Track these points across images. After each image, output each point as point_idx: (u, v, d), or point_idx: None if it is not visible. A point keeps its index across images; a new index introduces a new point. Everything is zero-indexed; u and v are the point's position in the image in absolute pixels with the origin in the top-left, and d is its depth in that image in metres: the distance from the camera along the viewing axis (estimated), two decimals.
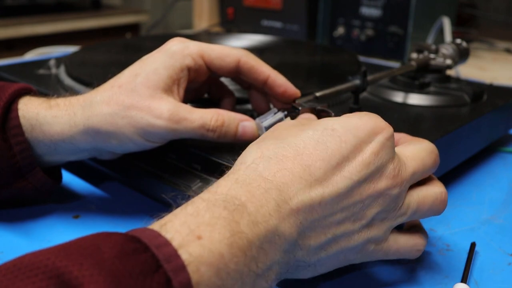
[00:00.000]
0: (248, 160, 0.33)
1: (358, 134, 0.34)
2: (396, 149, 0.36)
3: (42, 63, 0.69)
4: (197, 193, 0.42)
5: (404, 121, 0.53)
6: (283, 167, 0.32)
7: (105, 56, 0.72)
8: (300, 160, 0.32)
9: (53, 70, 0.66)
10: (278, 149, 0.33)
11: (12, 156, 0.42)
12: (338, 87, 0.49)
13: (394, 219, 0.35)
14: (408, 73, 0.61)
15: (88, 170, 0.56)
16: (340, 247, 0.34)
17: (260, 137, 0.36)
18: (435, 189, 0.38)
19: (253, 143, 0.35)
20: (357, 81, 0.51)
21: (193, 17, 1.40)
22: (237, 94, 0.51)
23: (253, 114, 0.51)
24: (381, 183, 0.34)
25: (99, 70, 0.64)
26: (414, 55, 0.64)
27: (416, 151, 0.37)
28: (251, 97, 0.49)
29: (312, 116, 0.43)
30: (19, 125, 0.42)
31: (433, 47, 0.63)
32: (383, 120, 0.36)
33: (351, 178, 0.33)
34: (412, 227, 0.39)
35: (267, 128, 0.43)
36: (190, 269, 0.26)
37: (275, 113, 0.44)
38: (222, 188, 0.31)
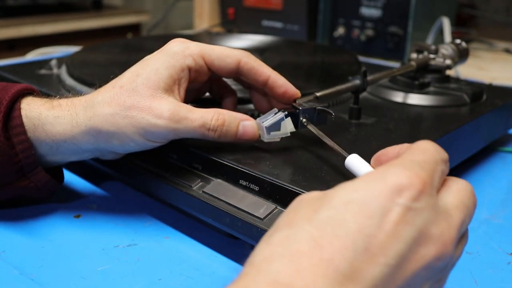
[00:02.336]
0: (257, 261, 0.27)
1: (382, 202, 0.27)
2: (439, 199, 0.30)
3: (43, 63, 0.69)
4: (197, 192, 0.42)
5: (404, 121, 0.53)
6: (300, 267, 0.25)
7: (106, 56, 0.72)
8: (319, 254, 0.26)
9: (55, 70, 0.67)
10: (291, 242, 0.27)
11: (14, 154, 0.42)
12: (338, 87, 0.49)
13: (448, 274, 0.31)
14: (408, 73, 0.61)
15: (89, 169, 0.57)
16: None
17: (273, 226, 0.29)
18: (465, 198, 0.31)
19: (263, 237, 0.28)
20: (357, 81, 0.51)
21: (194, 17, 1.40)
22: (239, 94, 0.51)
23: (254, 114, 0.51)
24: (428, 252, 0.27)
25: (100, 70, 0.64)
26: (414, 55, 0.64)
27: (459, 197, 0.31)
28: (253, 97, 0.49)
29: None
30: (21, 124, 0.42)
31: (433, 47, 0.64)
32: (412, 171, 0.28)
33: (387, 263, 0.26)
34: None
35: (268, 128, 0.43)
36: None
37: (275, 113, 0.44)
38: None
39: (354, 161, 0.37)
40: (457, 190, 0.31)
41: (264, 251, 0.27)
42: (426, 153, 0.31)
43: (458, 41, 0.66)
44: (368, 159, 0.37)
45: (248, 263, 0.27)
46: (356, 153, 0.38)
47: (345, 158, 0.38)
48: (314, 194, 0.30)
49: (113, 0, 2.32)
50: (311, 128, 0.43)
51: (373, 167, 0.36)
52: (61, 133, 0.43)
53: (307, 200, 0.29)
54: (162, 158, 0.47)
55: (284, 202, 0.39)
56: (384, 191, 0.27)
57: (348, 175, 0.40)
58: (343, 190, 0.28)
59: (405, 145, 0.34)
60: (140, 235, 0.46)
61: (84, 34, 1.88)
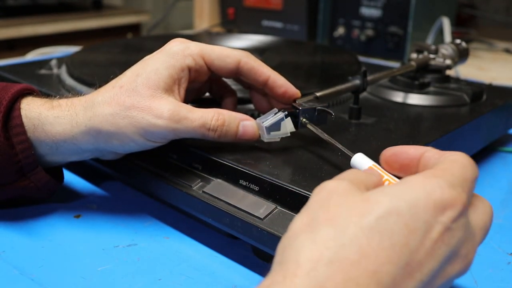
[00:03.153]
0: (305, 262, 0.26)
1: (426, 217, 0.28)
2: (471, 216, 0.31)
3: (43, 63, 0.69)
4: (197, 192, 0.42)
5: (404, 121, 0.53)
6: (348, 277, 0.26)
7: (106, 56, 0.72)
8: (365, 265, 0.26)
9: (55, 70, 0.67)
10: (339, 248, 0.27)
11: (14, 154, 0.42)
12: (338, 87, 0.49)
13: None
14: (408, 73, 0.61)
15: (89, 169, 0.57)
16: None
17: (310, 214, 0.29)
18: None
19: (302, 226, 0.29)
20: (357, 81, 0.51)
21: (194, 17, 1.40)
22: (239, 94, 0.51)
23: (254, 114, 0.51)
24: (454, 269, 0.30)
25: (100, 70, 0.64)
26: (414, 55, 0.64)
27: (483, 219, 0.32)
28: (253, 97, 0.49)
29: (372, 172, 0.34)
30: (21, 124, 0.42)
31: (433, 47, 0.64)
32: (456, 190, 0.29)
33: (421, 279, 0.28)
34: None
35: (268, 128, 0.43)
36: None
37: (275, 113, 0.44)
38: None
39: (360, 160, 0.37)
40: (483, 212, 0.32)
41: (311, 251, 0.27)
42: (465, 170, 0.31)
43: (458, 41, 0.66)
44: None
45: (292, 259, 0.27)
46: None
47: (349, 157, 0.38)
48: (346, 187, 0.30)
49: (113, 0, 2.32)
50: (313, 128, 0.43)
51: (383, 164, 0.36)
52: (61, 133, 0.43)
53: (345, 196, 0.29)
54: (162, 158, 0.47)
55: (284, 202, 0.39)
56: (429, 206, 0.28)
57: None
58: (388, 197, 0.28)
59: (431, 149, 0.34)
60: (140, 235, 0.46)
61: (84, 34, 1.88)
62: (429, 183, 0.29)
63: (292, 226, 0.29)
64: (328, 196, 0.30)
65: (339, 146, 0.40)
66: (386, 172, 0.35)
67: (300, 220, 0.29)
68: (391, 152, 0.36)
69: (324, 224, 0.28)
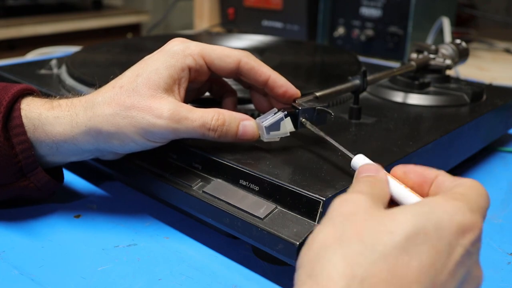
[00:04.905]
0: (337, 278, 0.27)
1: (450, 239, 0.29)
2: None
3: (43, 63, 0.69)
4: (197, 192, 0.42)
5: (404, 121, 0.53)
6: None
7: (106, 56, 0.72)
8: (395, 283, 0.27)
9: (55, 70, 0.67)
10: (370, 266, 0.27)
11: (14, 155, 0.42)
12: (338, 87, 0.49)
13: None
14: (408, 73, 0.61)
15: (89, 169, 0.57)
16: None
17: (337, 228, 0.29)
18: None
19: (330, 239, 0.29)
20: (357, 81, 0.51)
21: (194, 17, 1.40)
22: (239, 94, 0.51)
23: (254, 114, 0.51)
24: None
25: (100, 70, 0.64)
26: (413, 55, 0.64)
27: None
28: (253, 97, 0.49)
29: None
30: (21, 125, 0.42)
31: (433, 47, 0.64)
32: (476, 215, 0.30)
33: None
34: None
35: (267, 128, 0.43)
36: None
37: (275, 113, 0.44)
38: None
39: (361, 162, 0.37)
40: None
41: (342, 266, 0.27)
42: (481, 198, 0.32)
43: (458, 41, 0.66)
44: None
45: (325, 274, 0.27)
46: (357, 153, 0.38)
47: (348, 157, 0.38)
48: (369, 201, 0.30)
49: (113, 0, 2.32)
50: (312, 128, 0.43)
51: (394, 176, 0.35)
52: (61, 134, 0.43)
53: (370, 211, 0.30)
54: (162, 158, 0.47)
55: (284, 202, 0.39)
56: (452, 228, 0.29)
57: (349, 175, 0.40)
58: (414, 216, 0.29)
59: (444, 173, 0.34)
60: (140, 235, 0.46)
61: (84, 34, 1.88)
62: (451, 205, 0.30)
63: (318, 237, 0.29)
64: (354, 210, 0.30)
65: (339, 146, 0.40)
66: (403, 185, 0.35)
67: (327, 232, 0.29)
68: (402, 170, 0.35)
69: (353, 239, 0.28)
